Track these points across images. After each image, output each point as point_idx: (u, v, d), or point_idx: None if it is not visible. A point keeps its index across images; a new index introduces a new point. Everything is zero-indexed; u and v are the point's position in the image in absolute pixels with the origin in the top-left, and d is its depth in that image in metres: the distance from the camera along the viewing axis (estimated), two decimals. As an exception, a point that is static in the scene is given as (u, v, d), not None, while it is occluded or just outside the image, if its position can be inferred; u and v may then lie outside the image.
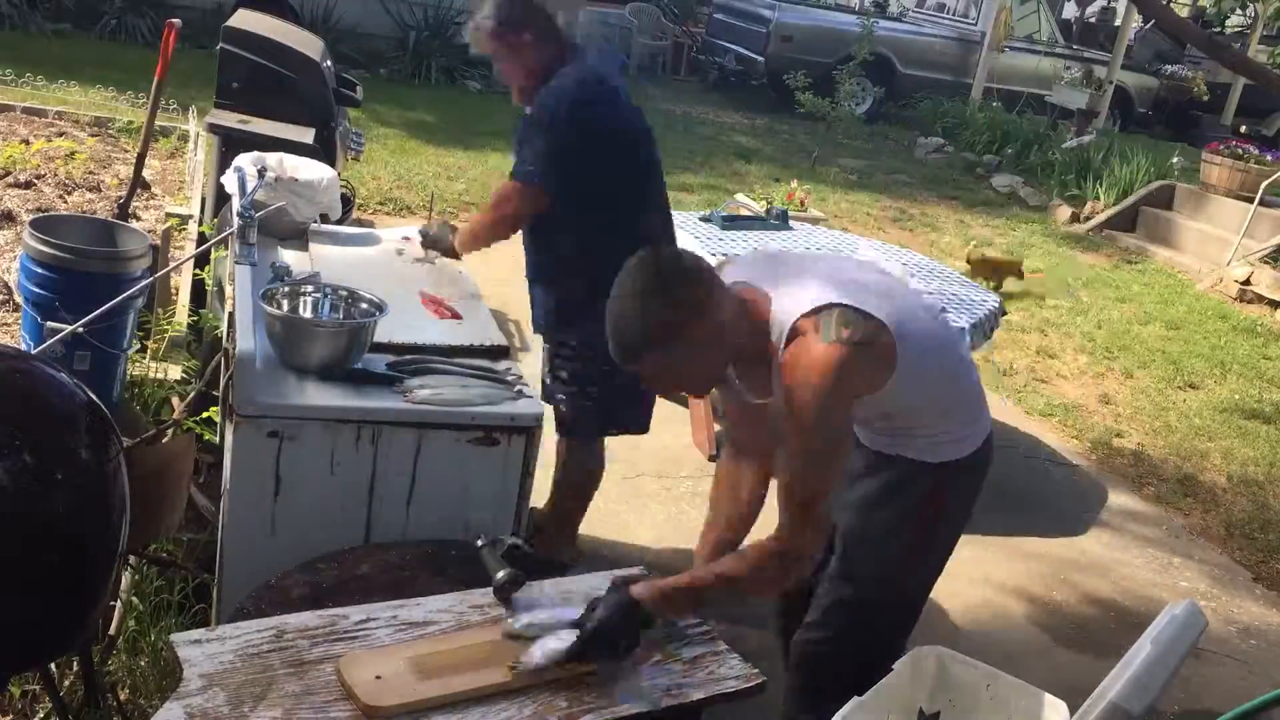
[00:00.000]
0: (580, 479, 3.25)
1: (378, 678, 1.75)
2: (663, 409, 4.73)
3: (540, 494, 3.00)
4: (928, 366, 2.18)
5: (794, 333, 2.01)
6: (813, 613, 2.42)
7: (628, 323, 1.97)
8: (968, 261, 6.98)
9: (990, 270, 6.93)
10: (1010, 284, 7.09)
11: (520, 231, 3.12)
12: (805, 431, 1.97)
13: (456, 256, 3.20)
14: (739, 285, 2.10)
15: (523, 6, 2.94)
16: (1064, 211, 9.79)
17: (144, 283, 3.15)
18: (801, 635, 2.44)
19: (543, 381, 3.19)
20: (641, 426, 3.31)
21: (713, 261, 2.13)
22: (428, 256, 3.21)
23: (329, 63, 5.03)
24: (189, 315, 4.13)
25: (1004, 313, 4.89)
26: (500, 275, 3.20)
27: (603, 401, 3.10)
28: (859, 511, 2.35)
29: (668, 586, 2.02)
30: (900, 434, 2.28)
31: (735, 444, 2.38)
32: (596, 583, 2.15)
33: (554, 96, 2.91)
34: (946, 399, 2.26)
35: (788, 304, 2.04)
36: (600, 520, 3.62)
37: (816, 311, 2.00)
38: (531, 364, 3.36)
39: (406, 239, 3.33)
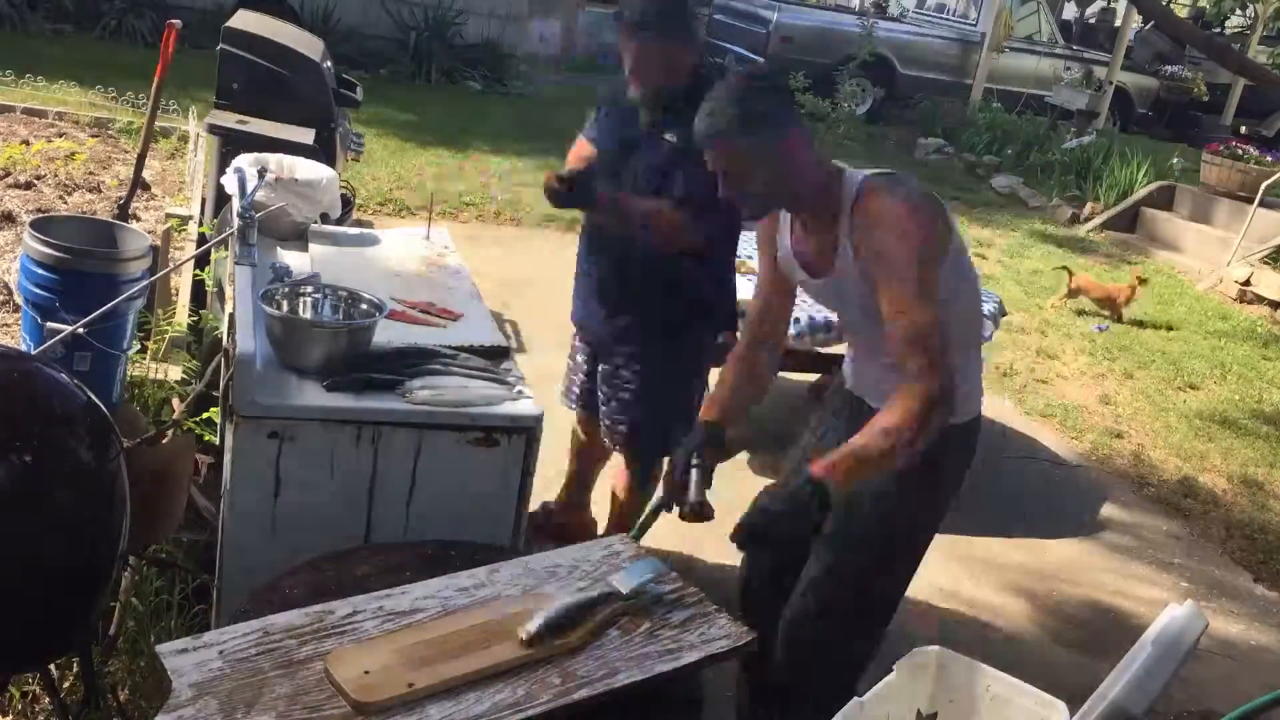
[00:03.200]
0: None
1: (366, 672, 1.74)
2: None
3: (539, 494, 3.00)
4: (962, 296, 2.24)
5: (865, 189, 2.13)
6: (801, 586, 2.44)
7: (725, 104, 2.10)
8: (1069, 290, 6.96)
9: (1103, 296, 6.93)
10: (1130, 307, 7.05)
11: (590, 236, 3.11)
12: (902, 270, 2.06)
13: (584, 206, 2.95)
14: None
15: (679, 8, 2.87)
16: (1064, 212, 9.79)
17: (144, 283, 3.15)
18: (790, 611, 2.45)
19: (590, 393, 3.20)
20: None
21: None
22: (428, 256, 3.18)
23: (329, 63, 5.03)
24: (189, 316, 4.13)
25: (1004, 313, 4.89)
26: (502, 275, 3.19)
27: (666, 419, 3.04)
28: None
29: (835, 456, 2.07)
30: None
31: (755, 335, 2.49)
32: (586, 554, 2.16)
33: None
34: (964, 341, 2.28)
35: (856, 175, 2.20)
36: (600, 520, 3.61)
37: (884, 174, 2.18)
38: (530, 364, 3.35)
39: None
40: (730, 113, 2.10)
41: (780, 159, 2.14)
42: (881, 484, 2.29)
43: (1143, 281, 7.05)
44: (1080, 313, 7.07)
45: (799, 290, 2.45)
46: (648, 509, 2.38)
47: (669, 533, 3.72)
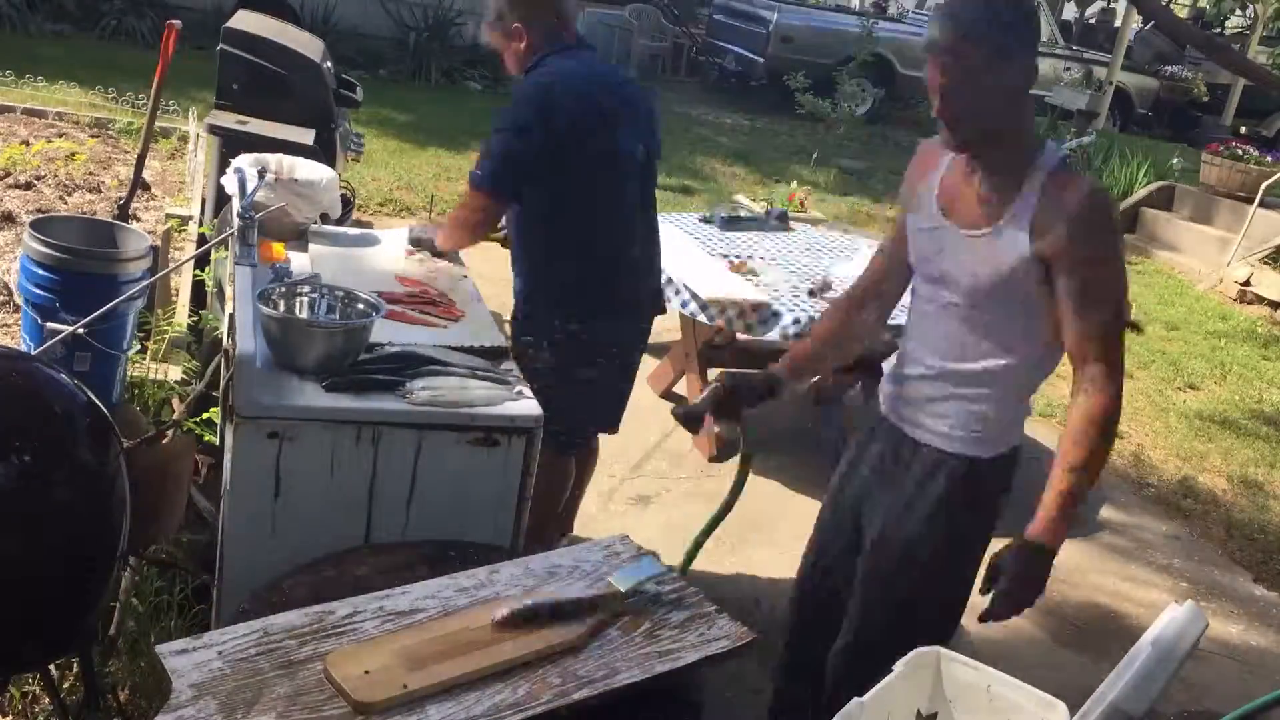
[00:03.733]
0: (544, 493, 3.06)
1: (366, 672, 1.74)
2: (663, 409, 4.73)
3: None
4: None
5: (1065, 167, 2.03)
6: (847, 627, 2.35)
7: (976, 6, 1.95)
8: None
9: None
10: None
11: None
12: (1107, 270, 2.00)
13: (441, 255, 3.18)
14: None
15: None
16: (1064, 212, 9.78)
17: (144, 283, 3.15)
18: (838, 651, 2.37)
19: None
20: (611, 425, 3.24)
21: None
22: (418, 256, 3.19)
23: (329, 63, 5.03)
24: (189, 316, 4.14)
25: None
26: (502, 275, 3.19)
27: (566, 410, 2.96)
28: (892, 512, 2.29)
29: (1049, 515, 2.08)
30: (973, 396, 2.19)
31: (861, 288, 2.39)
32: (587, 554, 2.16)
33: (520, 93, 2.91)
34: (1036, 368, 2.22)
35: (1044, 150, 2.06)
36: (601, 520, 3.61)
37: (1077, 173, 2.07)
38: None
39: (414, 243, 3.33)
40: (983, 13, 1.94)
41: (1012, 85, 1.99)
42: (927, 524, 2.23)
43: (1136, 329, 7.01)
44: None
45: (836, 276, 2.39)
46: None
47: (671, 533, 3.72)
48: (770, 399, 2.36)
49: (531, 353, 2.98)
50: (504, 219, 3.12)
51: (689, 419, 2.35)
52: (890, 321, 2.59)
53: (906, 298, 2.37)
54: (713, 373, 3.05)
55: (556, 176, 2.88)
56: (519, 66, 3.01)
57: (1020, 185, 2.02)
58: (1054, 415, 5.44)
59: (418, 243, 3.21)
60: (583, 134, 2.89)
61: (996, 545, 2.19)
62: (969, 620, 3.69)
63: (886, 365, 2.41)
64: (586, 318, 3.01)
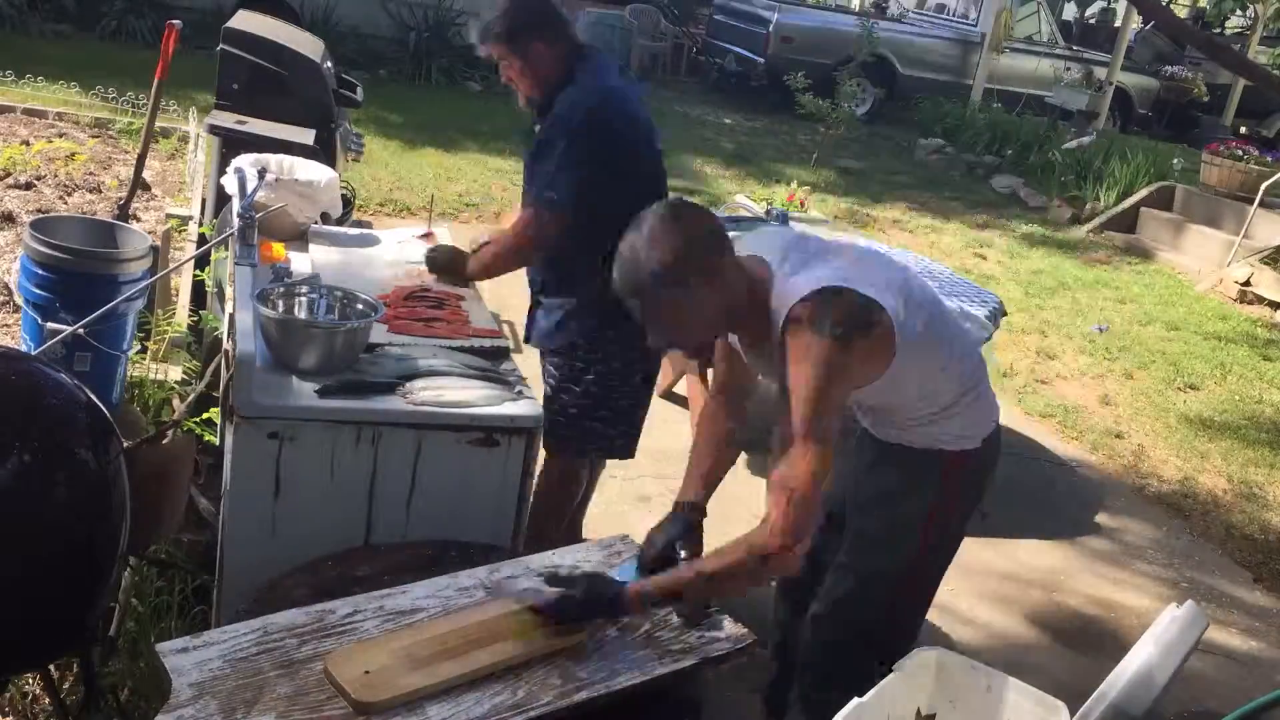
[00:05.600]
0: (559, 497, 3.15)
1: (366, 672, 1.74)
2: (663, 410, 4.73)
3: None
4: (932, 357, 2.19)
5: (790, 320, 2.02)
6: (821, 603, 2.42)
7: (638, 255, 1.98)
8: None
9: None
10: None
11: None
12: (802, 423, 1.97)
13: (467, 284, 3.07)
14: (753, 258, 2.11)
15: (534, 11, 2.86)
16: (1064, 213, 9.78)
17: (144, 284, 3.15)
18: (811, 627, 2.44)
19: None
20: (626, 452, 3.18)
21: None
22: (437, 280, 3.07)
23: (329, 64, 5.03)
24: (189, 316, 4.13)
25: (1004, 313, 4.88)
26: (501, 277, 3.19)
27: (624, 412, 3.05)
28: (868, 504, 2.37)
29: (649, 586, 2.01)
30: (907, 425, 2.29)
31: (722, 380, 2.44)
32: (587, 554, 2.16)
33: (571, 114, 2.81)
34: (949, 392, 2.26)
35: (789, 288, 2.05)
36: (601, 521, 3.61)
37: (817, 294, 2.01)
38: (530, 364, 3.35)
39: (427, 234, 3.31)
40: (640, 267, 1.97)
41: (702, 297, 2.01)
42: (901, 514, 2.31)
43: None
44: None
45: None
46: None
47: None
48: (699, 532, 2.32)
49: (584, 362, 2.98)
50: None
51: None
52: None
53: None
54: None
55: (612, 191, 2.83)
56: (540, 87, 2.90)
57: (771, 333, 2.08)
58: (1054, 416, 5.44)
59: (442, 270, 3.06)
60: (635, 148, 2.92)
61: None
62: (969, 619, 3.70)
63: None
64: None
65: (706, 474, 2.35)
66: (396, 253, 3.26)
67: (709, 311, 2.05)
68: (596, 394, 3.00)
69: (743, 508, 3.28)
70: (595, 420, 3.02)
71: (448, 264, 3.07)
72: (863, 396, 2.21)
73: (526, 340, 3.17)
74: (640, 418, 3.14)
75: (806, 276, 2.04)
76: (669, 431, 4.45)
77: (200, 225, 4.64)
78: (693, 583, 2.02)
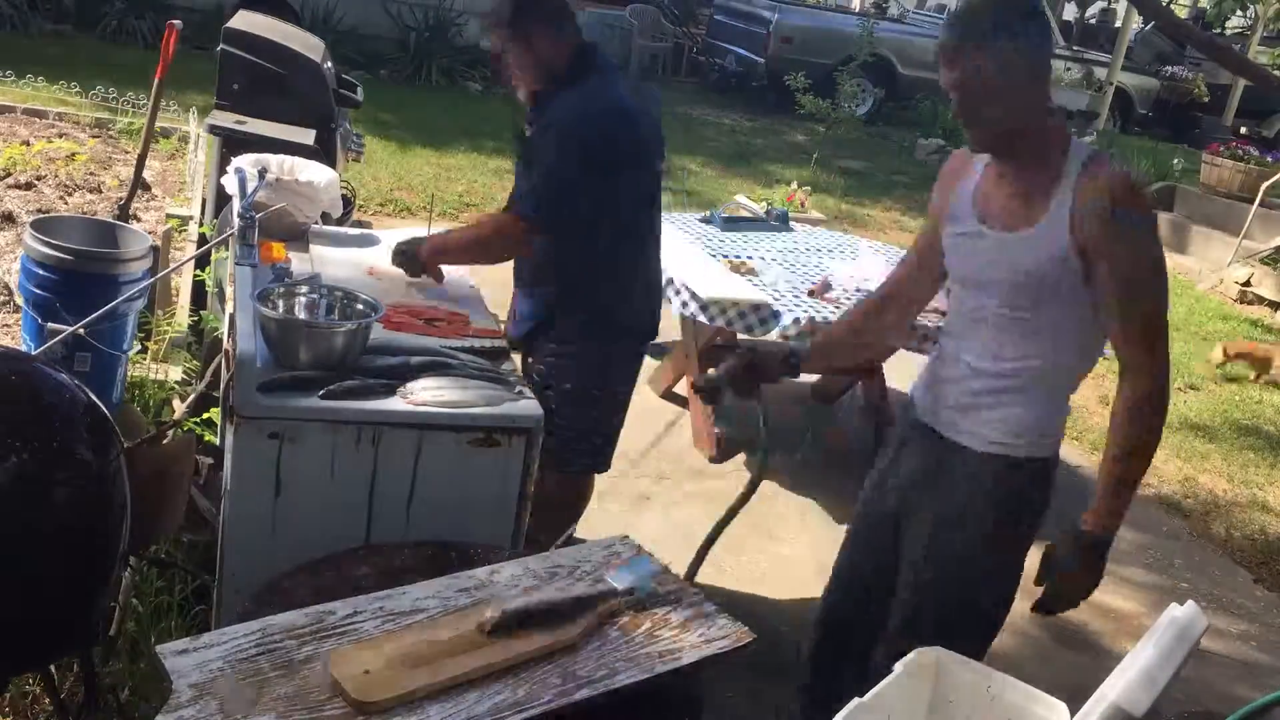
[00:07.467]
0: (563, 511, 3.05)
1: (366, 672, 1.74)
2: (663, 410, 4.73)
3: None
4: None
5: (1100, 157, 2.03)
6: (892, 637, 2.33)
7: (983, 9, 1.98)
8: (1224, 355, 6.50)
9: (1255, 361, 6.51)
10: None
11: None
12: (1146, 258, 1.98)
13: (422, 272, 2.93)
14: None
15: (538, 1, 2.82)
16: (1064, 212, 9.78)
17: (144, 284, 3.16)
18: (882, 659, 2.35)
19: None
20: (603, 465, 3.15)
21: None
22: (409, 279, 2.97)
23: (329, 64, 5.03)
24: (189, 316, 4.14)
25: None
26: (502, 275, 3.19)
27: (603, 420, 3.03)
28: (942, 521, 2.27)
29: (1100, 505, 2.08)
30: (1014, 375, 2.17)
31: (886, 290, 2.40)
32: (587, 554, 2.15)
33: (572, 125, 2.77)
34: (1084, 358, 2.20)
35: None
36: (601, 521, 3.61)
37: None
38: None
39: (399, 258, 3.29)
40: (989, 18, 1.96)
41: (1025, 83, 2.00)
42: (969, 539, 2.22)
43: None
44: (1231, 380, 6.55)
45: (859, 274, 2.39)
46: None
47: (671, 533, 3.72)
48: (789, 376, 2.36)
49: (563, 370, 2.96)
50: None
51: (708, 390, 2.34)
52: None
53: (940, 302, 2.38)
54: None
55: (604, 205, 2.82)
56: (541, 78, 2.86)
57: (1055, 182, 2.03)
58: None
59: (403, 257, 2.94)
60: (634, 166, 2.88)
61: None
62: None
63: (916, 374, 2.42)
64: (620, 335, 3.02)
65: (827, 335, 2.38)
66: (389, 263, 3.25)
67: (1021, 95, 2.01)
68: (582, 401, 2.97)
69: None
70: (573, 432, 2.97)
71: (406, 250, 2.94)
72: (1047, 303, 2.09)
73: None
74: (615, 425, 3.11)
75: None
76: (669, 432, 4.46)
77: (200, 225, 4.64)
78: (1129, 469, 2.07)
